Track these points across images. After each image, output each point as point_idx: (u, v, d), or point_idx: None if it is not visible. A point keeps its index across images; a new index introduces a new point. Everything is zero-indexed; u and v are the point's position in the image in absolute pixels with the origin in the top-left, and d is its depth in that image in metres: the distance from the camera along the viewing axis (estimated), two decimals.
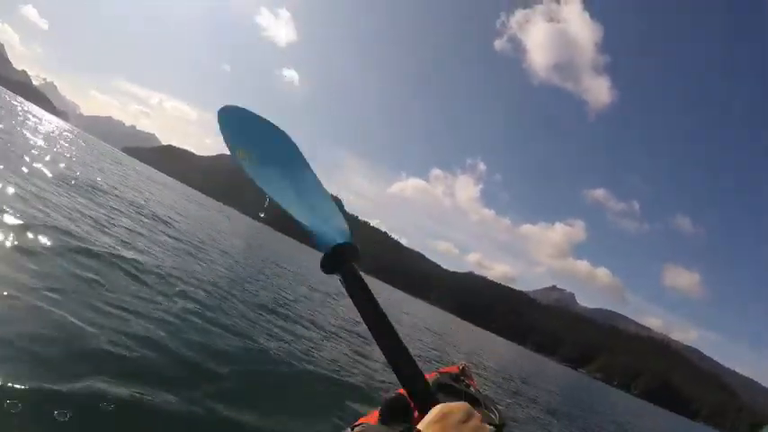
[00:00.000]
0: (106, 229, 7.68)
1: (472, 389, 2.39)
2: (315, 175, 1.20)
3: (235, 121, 1.15)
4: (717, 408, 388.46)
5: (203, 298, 6.45)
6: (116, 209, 10.38)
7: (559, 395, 19.96)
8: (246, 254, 17.64)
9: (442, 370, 2.58)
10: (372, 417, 1.36)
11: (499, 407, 2.19)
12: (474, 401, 2.13)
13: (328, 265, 1.00)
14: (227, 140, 1.12)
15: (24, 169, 9.52)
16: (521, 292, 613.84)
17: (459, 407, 0.71)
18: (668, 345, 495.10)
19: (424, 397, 0.86)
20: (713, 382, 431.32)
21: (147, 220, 11.14)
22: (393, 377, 0.81)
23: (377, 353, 6.99)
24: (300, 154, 1.24)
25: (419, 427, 0.69)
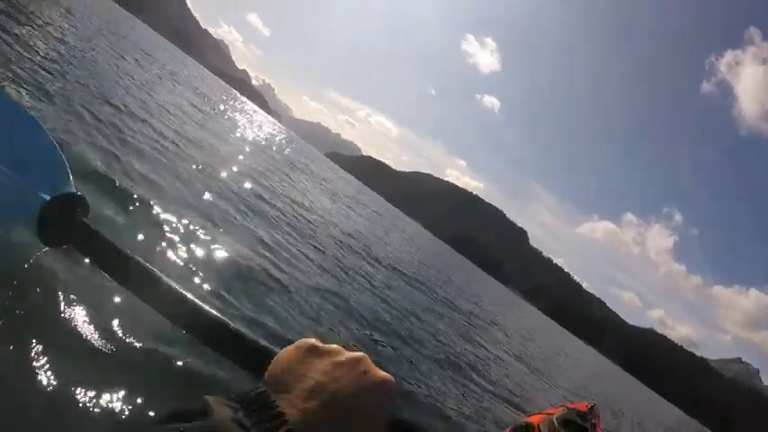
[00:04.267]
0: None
1: (597, 430, 2.84)
2: (34, 118, 1.02)
3: None
4: None
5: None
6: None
7: None
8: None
9: (569, 405, 3.05)
10: None
11: None
12: None
13: (52, 229, 0.65)
14: None
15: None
16: (701, 359, 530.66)
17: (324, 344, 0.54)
18: None
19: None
20: None
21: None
22: None
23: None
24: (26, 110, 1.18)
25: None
